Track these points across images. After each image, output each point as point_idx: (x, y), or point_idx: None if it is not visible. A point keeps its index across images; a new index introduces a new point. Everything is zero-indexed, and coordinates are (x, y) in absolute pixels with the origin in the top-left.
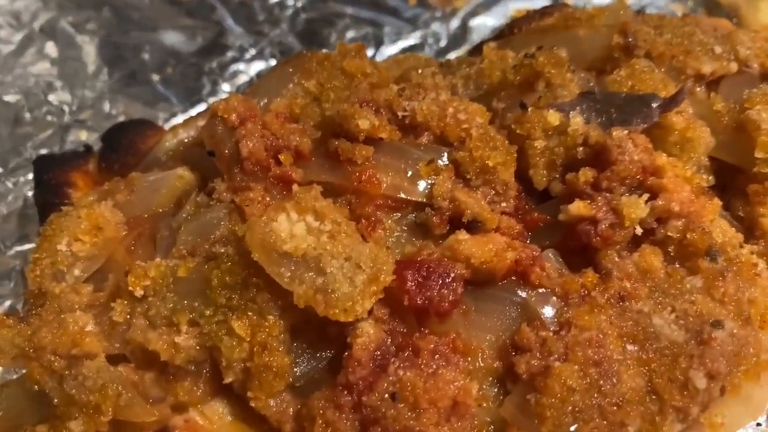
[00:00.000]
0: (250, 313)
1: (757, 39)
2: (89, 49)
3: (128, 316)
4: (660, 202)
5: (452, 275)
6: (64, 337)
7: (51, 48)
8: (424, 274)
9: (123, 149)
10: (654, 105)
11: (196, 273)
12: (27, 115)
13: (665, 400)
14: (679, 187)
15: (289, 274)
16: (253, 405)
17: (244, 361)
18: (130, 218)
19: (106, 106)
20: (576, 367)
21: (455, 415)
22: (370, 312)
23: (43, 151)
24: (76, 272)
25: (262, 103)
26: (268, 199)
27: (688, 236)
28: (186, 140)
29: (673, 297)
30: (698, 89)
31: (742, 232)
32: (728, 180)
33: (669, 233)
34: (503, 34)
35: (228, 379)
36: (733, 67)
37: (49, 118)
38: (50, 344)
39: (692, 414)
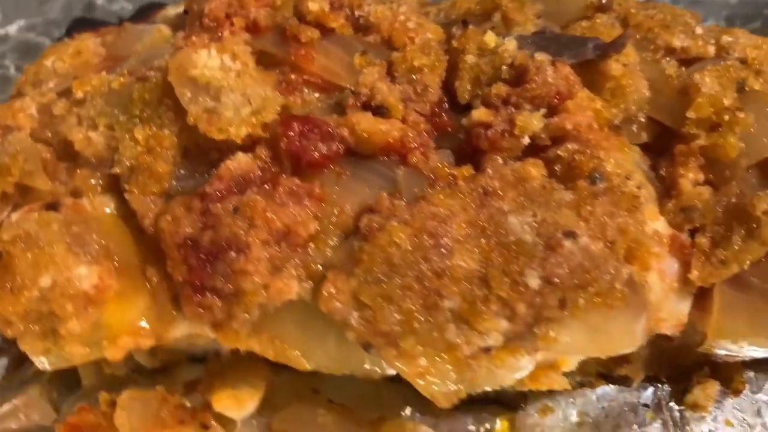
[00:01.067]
0: (152, 125)
1: (752, 38)
2: None
3: (65, 114)
4: (555, 119)
5: (334, 134)
6: (7, 111)
7: None
8: (309, 126)
9: (143, 17)
10: (590, 45)
11: (126, 88)
12: (99, 3)
13: (492, 288)
14: (581, 111)
15: (190, 95)
16: (127, 197)
17: (133, 159)
18: (110, 55)
19: None
20: (410, 229)
21: (286, 241)
22: (254, 150)
23: None
24: (51, 84)
25: None
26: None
27: (576, 157)
28: None
29: (539, 205)
30: (664, 60)
31: (662, 191)
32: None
33: (560, 152)
34: None
35: (115, 169)
36: (710, 50)
37: (114, 8)
38: None
39: (519, 311)
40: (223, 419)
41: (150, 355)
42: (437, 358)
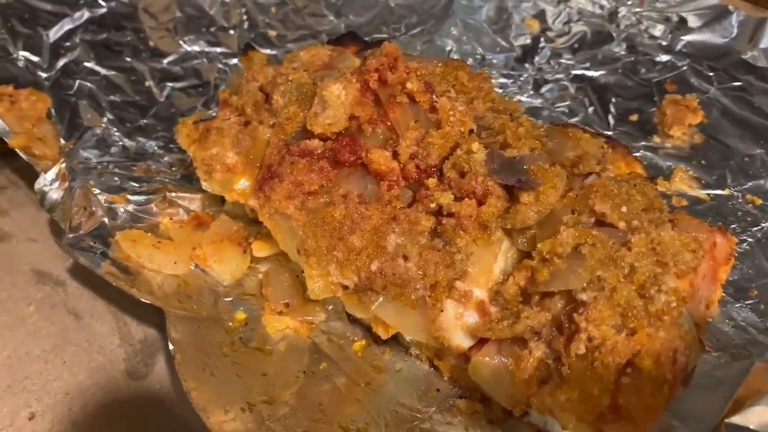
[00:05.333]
0: (299, 108)
1: (675, 236)
2: None
3: (280, 84)
4: (455, 203)
5: (358, 153)
6: (258, 70)
7: None
8: (350, 143)
9: (368, 48)
10: (516, 178)
11: (306, 84)
12: (389, 25)
13: (357, 258)
14: (467, 207)
15: (317, 102)
16: (271, 135)
17: (283, 119)
18: (327, 63)
19: (416, 45)
20: (346, 212)
21: (299, 187)
22: (325, 142)
23: None
24: (295, 64)
25: (414, 61)
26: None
27: (448, 227)
28: None
29: (409, 237)
30: (586, 217)
31: (503, 279)
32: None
33: (444, 220)
34: (556, 125)
35: (276, 120)
36: (621, 225)
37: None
38: (254, 69)
39: (362, 277)
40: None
41: (251, 210)
42: (318, 275)
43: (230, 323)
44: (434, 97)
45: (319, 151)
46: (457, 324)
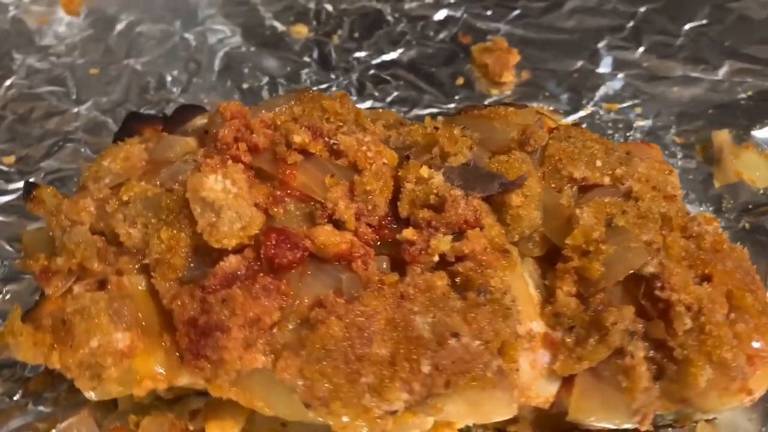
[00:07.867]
0: (173, 228)
1: (648, 166)
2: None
3: (115, 211)
4: (458, 244)
5: (299, 244)
6: (74, 207)
7: None
8: (282, 237)
9: (178, 120)
10: (497, 182)
11: (158, 197)
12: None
13: (396, 371)
14: (477, 240)
15: (200, 210)
16: (153, 282)
17: (159, 253)
18: (150, 159)
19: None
20: (343, 323)
21: (256, 326)
22: (242, 252)
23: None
24: (106, 180)
25: (262, 112)
26: (218, 166)
27: (470, 274)
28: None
29: (438, 309)
30: (567, 187)
31: (546, 297)
32: (556, 258)
33: (459, 268)
34: (454, 114)
35: (146, 260)
36: (606, 180)
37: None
38: (65, 210)
39: (415, 389)
40: None
41: (167, 390)
42: (355, 418)
43: None
44: (331, 140)
45: (245, 265)
46: (535, 374)
